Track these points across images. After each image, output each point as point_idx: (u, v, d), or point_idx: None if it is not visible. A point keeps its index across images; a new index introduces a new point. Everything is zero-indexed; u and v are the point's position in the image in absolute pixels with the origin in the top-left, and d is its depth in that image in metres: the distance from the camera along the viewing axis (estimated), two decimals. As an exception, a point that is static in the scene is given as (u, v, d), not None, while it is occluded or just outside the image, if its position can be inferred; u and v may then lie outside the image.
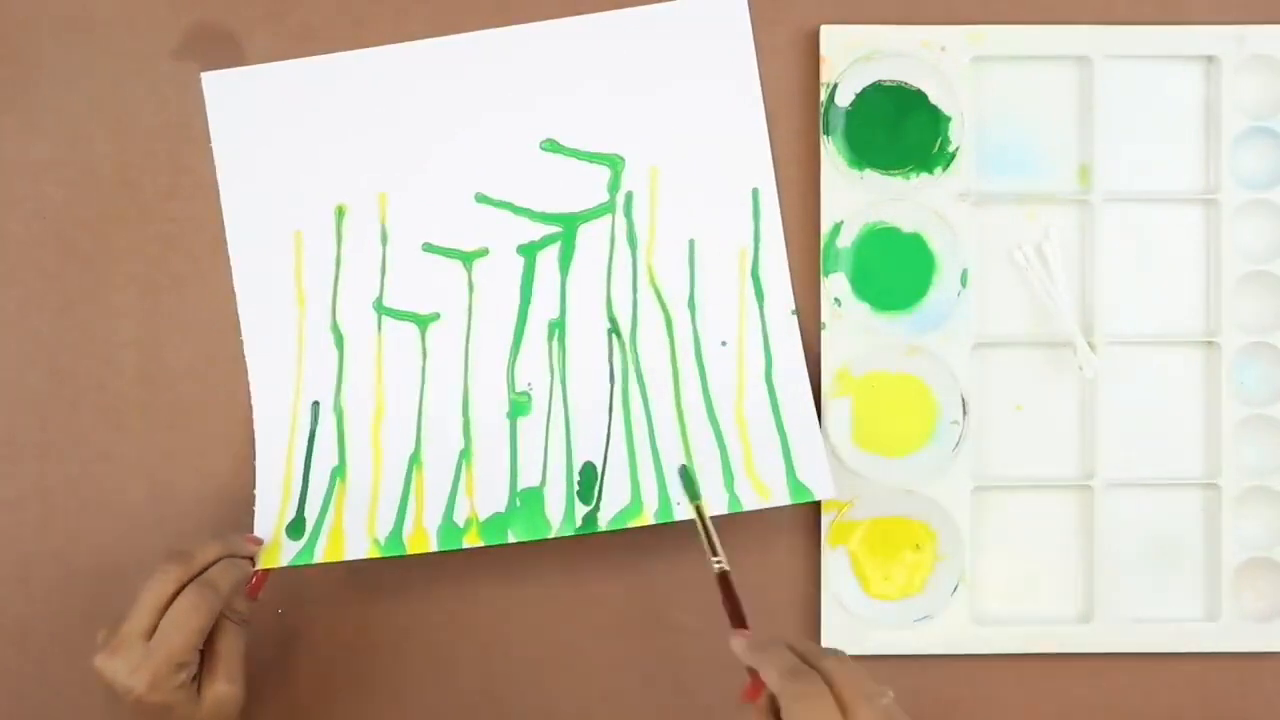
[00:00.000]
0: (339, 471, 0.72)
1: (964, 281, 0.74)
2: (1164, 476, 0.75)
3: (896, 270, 0.74)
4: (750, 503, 0.70)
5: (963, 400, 0.73)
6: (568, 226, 0.73)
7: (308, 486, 0.72)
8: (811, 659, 0.57)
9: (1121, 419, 0.74)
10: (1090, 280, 0.74)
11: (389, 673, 0.74)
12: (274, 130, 0.73)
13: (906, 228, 0.74)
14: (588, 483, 0.71)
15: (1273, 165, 0.74)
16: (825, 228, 0.73)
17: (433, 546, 0.70)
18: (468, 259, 0.73)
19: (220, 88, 0.73)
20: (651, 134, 0.73)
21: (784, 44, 0.74)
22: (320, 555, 0.70)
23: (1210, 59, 0.74)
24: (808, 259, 0.74)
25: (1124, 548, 0.74)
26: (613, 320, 0.73)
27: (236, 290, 0.73)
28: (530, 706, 0.74)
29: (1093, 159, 0.74)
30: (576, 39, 0.73)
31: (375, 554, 0.70)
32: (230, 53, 0.74)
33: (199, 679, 0.65)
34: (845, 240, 0.73)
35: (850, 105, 0.73)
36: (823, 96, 0.73)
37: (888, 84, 0.74)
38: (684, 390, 0.72)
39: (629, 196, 0.73)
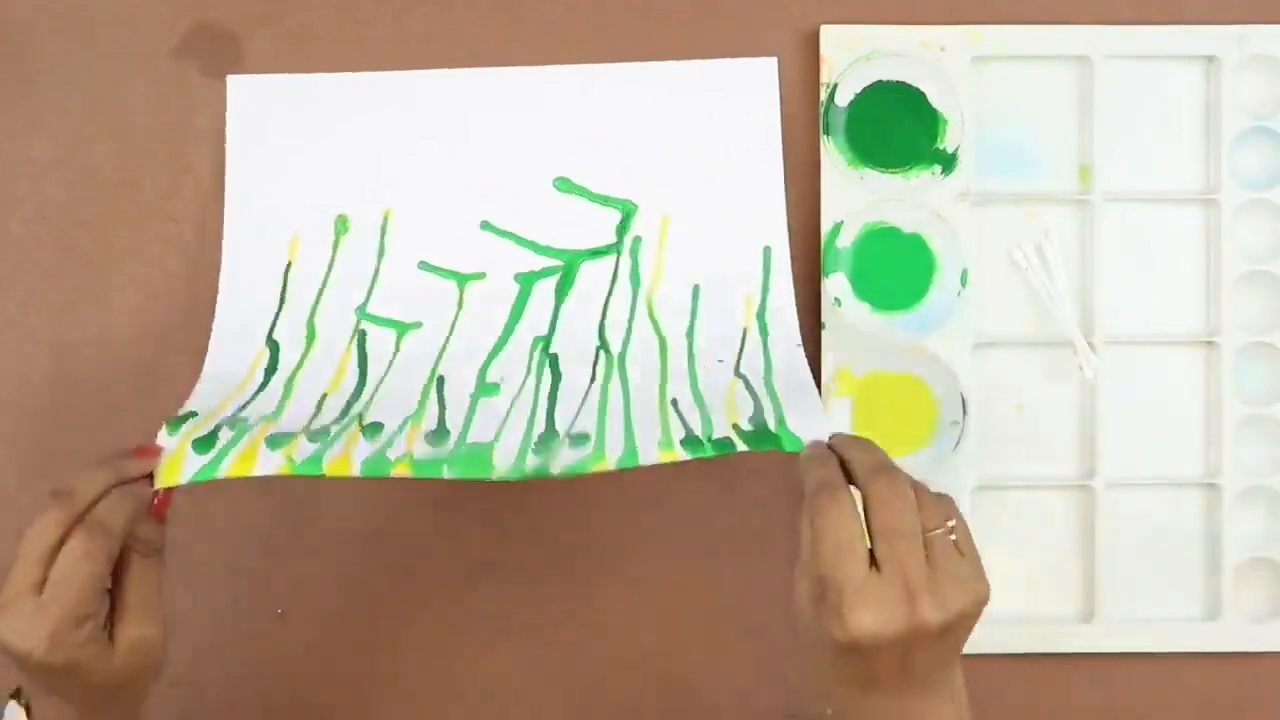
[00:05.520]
0: (271, 417, 0.65)
1: (964, 281, 0.74)
2: (1164, 476, 0.75)
3: (896, 270, 0.74)
4: (736, 446, 0.60)
5: (963, 400, 0.73)
6: (570, 262, 0.72)
7: (233, 419, 0.64)
8: (861, 478, 0.53)
9: (1121, 419, 0.74)
10: (1090, 280, 0.74)
11: (389, 675, 0.74)
12: (290, 138, 0.73)
13: (906, 228, 0.74)
14: (546, 442, 0.63)
15: (1273, 165, 0.74)
16: (825, 228, 0.73)
17: (354, 472, 0.61)
18: (462, 280, 0.72)
19: (244, 91, 0.73)
20: (668, 184, 0.73)
21: (784, 44, 0.74)
22: (226, 469, 0.61)
23: (1210, 59, 0.74)
24: (808, 259, 0.74)
25: (1124, 548, 0.74)
26: (603, 340, 0.71)
27: (221, 283, 0.72)
28: (531, 707, 0.74)
29: (1093, 159, 0.74)
30: (604, 85, 0.73)
31: (287, 471, 0.61)
32: (230, 53, 0.74)
33: (110, 625, 0.57)
34: (845, 240, 0.73)
35: (850, 105, 0.73)
36: (823, 96, 0.73)
37: (888, 84, 0.74)
38: (671, 383, 0.67)
39: (636, 241, 0.72)
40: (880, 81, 0.74)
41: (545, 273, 0.72)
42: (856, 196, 0.73)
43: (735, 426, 0.62)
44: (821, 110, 0.73)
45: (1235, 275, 0.74)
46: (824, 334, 0.73)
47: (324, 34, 0.74)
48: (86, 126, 0.74)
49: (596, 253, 0.72)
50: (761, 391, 0.65)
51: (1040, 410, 0.75)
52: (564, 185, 0.73)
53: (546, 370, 0.69)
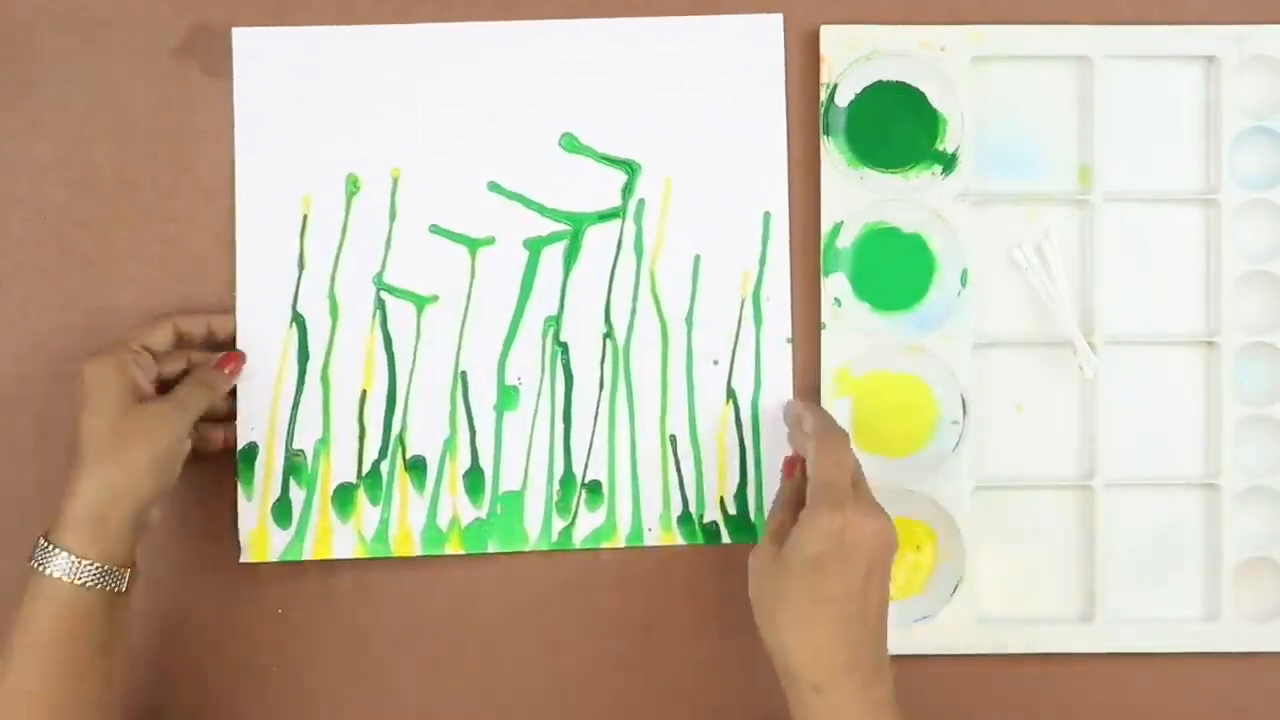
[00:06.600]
0: (322, 445, 0.73)
1: (964, 281, 0.74)
2: (1164, 476, 0.75)
3: (896, 270, 0.74)
4: (722, 538, 0.73)
5: (963, 400, 0.73)
6: (576, 226, 0.73)
7: (291, 458, 0.72)
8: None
9: (1121, 419, 0.74)
10: (1090, 280, 0.74)
11: (387, 673, 0.74)
12: (297, 92, 0.73)
13: (906, 228, 0.74)
14: (567, 494, 0.73)
15: (1273, 165, 0.74)
16: (825, 228, 0.73)
17: (417, 550, 0.72)
18: (473, 245, 0.73)
19: (250, 44, 0.73)
20: (671, 144, 0.73)
21: (784, 44, 0.74)
22: (309, 553, 0.72)
23: (1210, 59, 0.74)
24: (808, 259, 0.74)
25: (1124, 548, 0.74)
26: (609, 325, 0.73)
27: (237, 243, 0.73)
28: (527, 705, 0.74)
29: (1093, 159, 0.74)
30: (610, 40, 0.73)
31: (362, 553, 0.72)
32: (231, 53, 0.74)
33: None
34: (845, 240, 0.73)
35: (850, 105, 0.74)
36: (823, 96, 0.73)
37: (888, 84, 0.74)
38: (670, 410, 0.73)
39: (641, 204, 0.73)
40: (880, 81, 0.74)
41: (553, 238, 0.73)
42: (856, 196, 0.73)
43: (722, 503, 0.73)
44: (821, 110, 0.73)
45: (1235, 275, 0.74)
46: (824, 334, 0.73)
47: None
48: (86, 126, 0.74)
49: (602, 216, 0.73)
50: (749, 441, 0.73)
51: (1040, 410, 0.75)
52: (570, 144, 0.73)
53: (559, 371, 0.73)
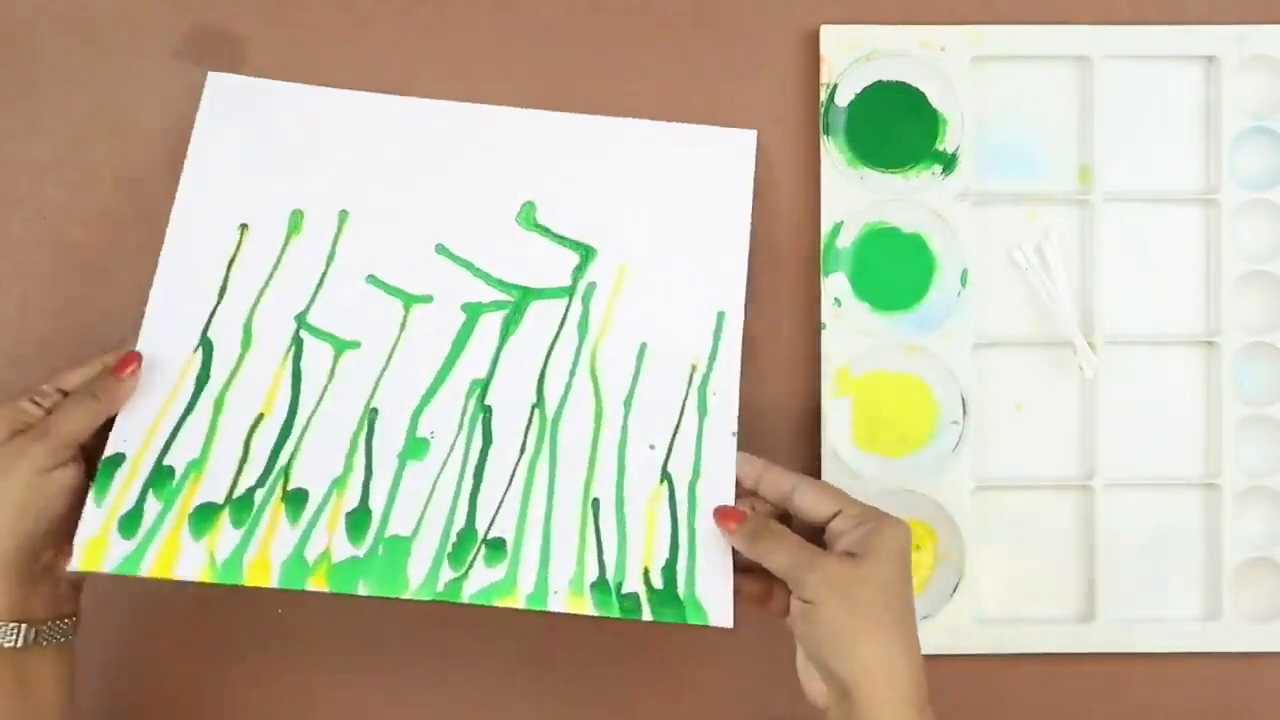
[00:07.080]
0: (195, 466, 0.66)
1: (964, 281, 0.74)
2: (1164, 476, 0.75)
3: (896, 270, 0.74)
4: (642, 612, 0.64)
5: (963, 400, 0.73)
6: (520, 298, 0.70)
7: (159, 473, 0.65)
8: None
9: (1121, 419, 0.74)
10: (1090, 280, 0.74)
11: (386, 674, 0.74)
12: (257, 137, 0.72)
13: (906, 228, 0.74)
14: (463, 548, 0.65)
15: (1273, 165, 0.74)
16: (825, 228, 0.73)
17: (273, 582, 0.63)
18: (409, 300, 0.70)
19: (222, 89, 0.72)
20: (631, 235, 0.71)
21: (784, 44, 0.74)
22: (147, 568, 0.63)
23: (1210, 59, 0.74)
24: (808, 259, 0.74)
25: (1124, 548, 0.74)
26: (540, 397, 0.68)
27: (158, 268, 0.69)
28: (525, 704, 0.74)
29: (1093, 159, 0.74)
30: (586, 134, 0.73)
31: (209, 578, 0.63)
32: (231, 53, 0.74)
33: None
34: (845, 240, 0.73)
35: (850, 105, 0.74)
36: (823, 96, 0.73)
37: (888, 84, 0.74)
38: (597, 480, 0.67)
39: (591, 287, 0.71)
40: (880, 81, 0.74)
41: (494, 306, 0.70)
42: (856, 196, 0.73)
43: (646, 574, 0.65)
44: (821, 110, 0.73)
45: (1235, 275, 0.74)
46: (824, 334, 0.73)
47: (325, 34, 0.74)
48: (86, 126, 0.74)
49: (549, 293, 0.71)
50: (683, 519, 0.66)
51: (1040, 410, 0.75)
52: (527, 221, 0.71)
53: (478, 431, 0.68)
